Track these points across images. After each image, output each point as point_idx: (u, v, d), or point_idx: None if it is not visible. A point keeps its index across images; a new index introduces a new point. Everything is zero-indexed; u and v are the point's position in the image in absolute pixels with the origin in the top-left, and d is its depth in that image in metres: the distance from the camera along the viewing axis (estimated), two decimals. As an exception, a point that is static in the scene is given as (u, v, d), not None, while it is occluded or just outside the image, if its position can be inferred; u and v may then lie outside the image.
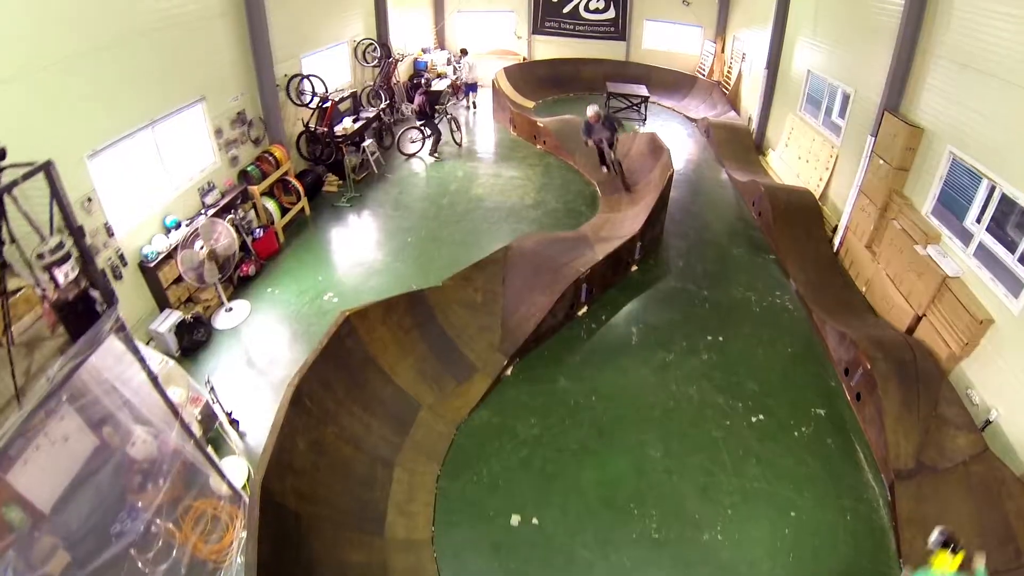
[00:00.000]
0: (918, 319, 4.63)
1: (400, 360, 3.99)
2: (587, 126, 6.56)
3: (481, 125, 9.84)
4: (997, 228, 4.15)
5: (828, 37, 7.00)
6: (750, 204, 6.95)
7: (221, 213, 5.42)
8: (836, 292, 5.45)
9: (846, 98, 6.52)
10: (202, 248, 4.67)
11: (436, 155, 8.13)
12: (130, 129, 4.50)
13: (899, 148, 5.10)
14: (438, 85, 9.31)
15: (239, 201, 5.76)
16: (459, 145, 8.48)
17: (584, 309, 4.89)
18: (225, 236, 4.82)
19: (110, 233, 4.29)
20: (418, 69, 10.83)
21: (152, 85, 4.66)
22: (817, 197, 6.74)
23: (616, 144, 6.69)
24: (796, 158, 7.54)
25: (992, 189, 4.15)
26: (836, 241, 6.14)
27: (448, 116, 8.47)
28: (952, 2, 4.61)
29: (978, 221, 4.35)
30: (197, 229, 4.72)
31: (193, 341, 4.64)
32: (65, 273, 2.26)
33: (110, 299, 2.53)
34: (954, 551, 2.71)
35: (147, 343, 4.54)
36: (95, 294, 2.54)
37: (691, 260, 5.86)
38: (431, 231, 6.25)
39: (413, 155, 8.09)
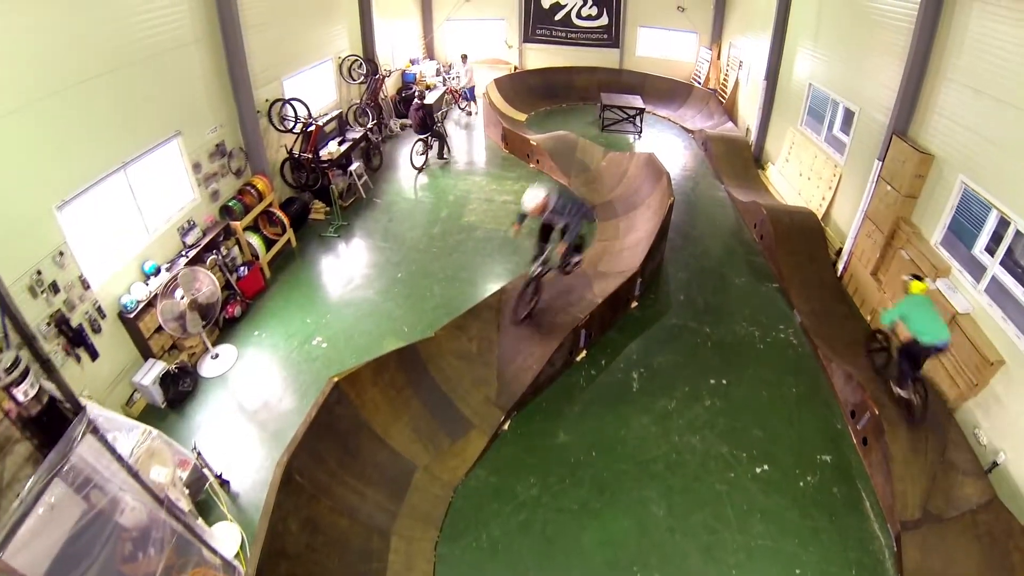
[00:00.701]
0: (925, 354, 4.51)
1: (394, 421, 3.83)
2: (521, 217, 4.52)
3: (473, 140, 9.57)
4: (1010, 261, 4.00)
5: (831, 49, 6.75)
6: (751, 226, 6.77)
7: (203, 252, 5.20)
8: (841, 323, 5.32)
9: (851, 115, 6.32)
10: (183, 298, 4.46)
11: (445, 159, 8.46)
12: (101, 174, 4.25)
13: (908, 175, 4.92)
14: (431, 97, 9.23)
15: (221, 238, 5.53)
16: (445, 159, 8.56)
17: (583, 354, 4.73)
18: (207, 285, 4.60)
19: (85, 286, 4.08)
20: (406, 81, 10.50)
21: (122, 125, 4.39)
22: (820, 217, 6.58)
23: (573, 252, 4.37)
24: (797, 174, 7.35)
25: (1007, 224, 3.99)
26: (840, 265, 5.99)
27: (442, 126, 8.57)
28: (967, 24, 4.40)
29: (989, 253, 4.21)
30: (176, 278, 4.50)
31: (179, 392, 4.46)
32: (24, 391, 2.08)
33: (77, 406, 2.36)
34: (920, 280, 4.06)
35: (131, 396, 4.38)
36: (56, 391, 2.37)
37: (692, 293, 5.69)
38: (422, 265, 6.04)
39: (422, 168, 8.21)
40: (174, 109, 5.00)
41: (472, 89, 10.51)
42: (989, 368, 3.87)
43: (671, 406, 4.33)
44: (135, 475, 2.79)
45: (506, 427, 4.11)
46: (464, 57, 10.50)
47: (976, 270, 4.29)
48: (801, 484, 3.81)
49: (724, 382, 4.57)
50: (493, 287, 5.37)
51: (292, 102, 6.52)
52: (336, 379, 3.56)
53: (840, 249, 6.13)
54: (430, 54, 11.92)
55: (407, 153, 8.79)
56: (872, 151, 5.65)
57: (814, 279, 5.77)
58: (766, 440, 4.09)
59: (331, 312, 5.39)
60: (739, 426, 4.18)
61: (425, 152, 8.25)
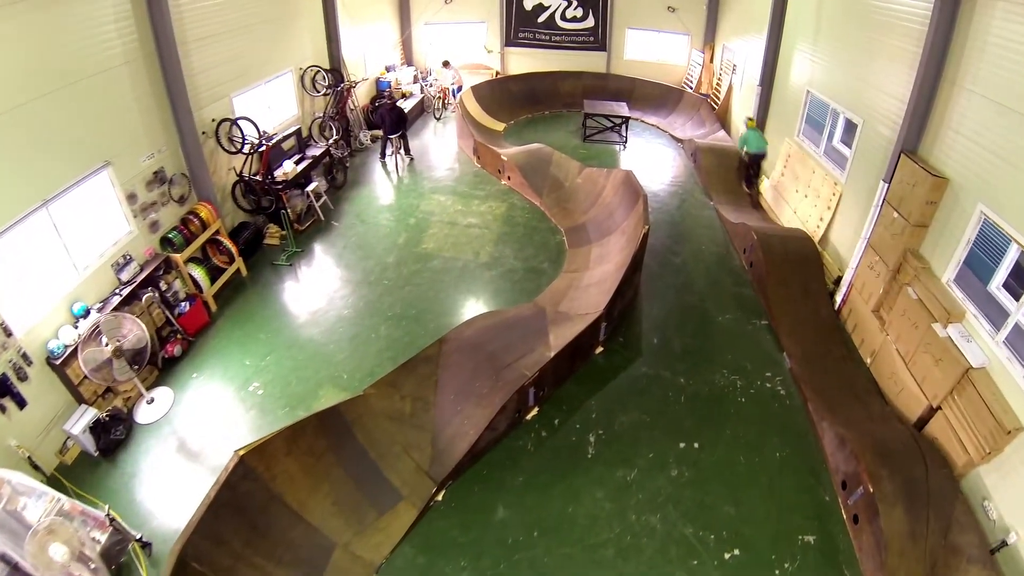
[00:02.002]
0: (932, 410, 3.89)
1: (311, 493, 3.41)
2: None
3: (447, 152, 9.06)
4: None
5: (832, 53, 6.04)
6: (741, 251, 6.13)
7: (140, 289, 4.85)
8: (836, 366, 4.69)
9: (853, 128, 5.62)
10: (107, 345, 4.12)
11: (411, 158, 8.67)
12: (18, 215, 3.89)
13: (918, 200, 4.25)
14: (407, 105, 8.94)
15: (161, 272, 5.17)
16: (410, 158, 8.66)
17: (534, 411, 4.21)
18: (133, 331, 4.24)
19: (7, 333, 3.76)
20: (381, 90, 10.03)
21: (41, 160, 4.02)
22: (817, 241, 5.91)
23: None
24: (793, 191, 6.66)
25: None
26: (838, 297, 5.34)
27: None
28: (989, 27, 3.72)
29: (1011, 294, 3.55)
30: (99, 325, 4.15)
31: (111, 440, 4.15)
32: None
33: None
34: (752, 120, 7.31)
35: (64, 443, 4.11)
36: None
37: (668, 334, 5.10)
38: (371, 301, 5.57)
39: (403, 168, 8.56)
40: (102, 138, 4.62)
41: (460, 88, 10.30)
42: (1005, 437, 3.26)
43: (631, 476, 3.80)
44: (15, 567, 2.60)
45: (440, 498, 3.64)
46: (446, 63, 10.21)
47: (996, 315, 3.64)
48: (777, 572, 3.26)
49: (696, 446, 4.01)
50: (443, 328, 4.89)
51: (239, 122, 6.11)
52: (241, 452, 3.16)
53: (839, 277, 5.47)
54: (408, 60, 11.44)
55: (377, 168, 8.44)
56: (877, 169, 4.98)
57: (808, 315, 5.13)
58: (739, 518, 3.53)
59: (272, 353, 4.99)
60: (708, 501, 3.63)
61: (395, 152, 8.36)
